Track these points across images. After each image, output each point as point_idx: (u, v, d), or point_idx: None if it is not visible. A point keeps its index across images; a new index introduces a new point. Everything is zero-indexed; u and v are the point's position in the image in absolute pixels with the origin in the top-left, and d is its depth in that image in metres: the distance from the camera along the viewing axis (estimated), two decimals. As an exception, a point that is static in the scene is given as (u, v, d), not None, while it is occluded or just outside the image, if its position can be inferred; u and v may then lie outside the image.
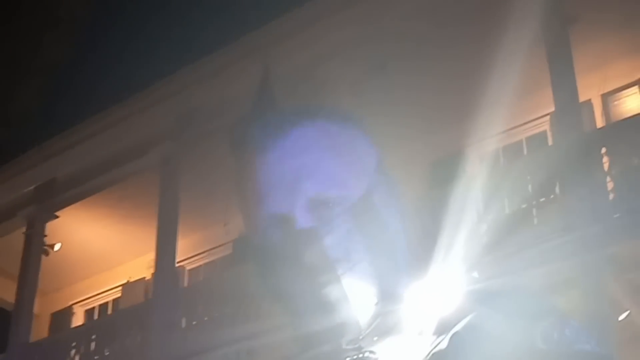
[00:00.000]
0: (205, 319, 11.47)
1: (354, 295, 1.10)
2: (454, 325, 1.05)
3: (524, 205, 9.97)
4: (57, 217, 14.09)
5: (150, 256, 13.16)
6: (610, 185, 9.59)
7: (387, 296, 1.12)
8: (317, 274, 1.09)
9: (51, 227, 14.16)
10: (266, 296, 1.16)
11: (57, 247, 14.23)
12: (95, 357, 12.45)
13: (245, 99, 10.41)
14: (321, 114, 1.19)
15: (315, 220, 1.11)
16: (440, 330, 1.07)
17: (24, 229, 14.25)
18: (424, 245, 1.20)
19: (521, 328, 1.01)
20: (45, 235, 14.10)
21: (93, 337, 12.68)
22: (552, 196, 10.02)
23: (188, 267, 14.54)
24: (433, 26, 10.86)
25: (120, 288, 15.18)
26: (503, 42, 9.19)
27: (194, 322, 11.60)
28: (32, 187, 14.32)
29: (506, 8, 9.29)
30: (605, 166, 9.68)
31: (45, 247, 14.07)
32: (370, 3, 11.26)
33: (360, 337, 1.11)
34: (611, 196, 9.53)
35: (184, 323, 11.72)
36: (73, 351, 12.68)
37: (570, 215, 9.25)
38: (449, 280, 1.13)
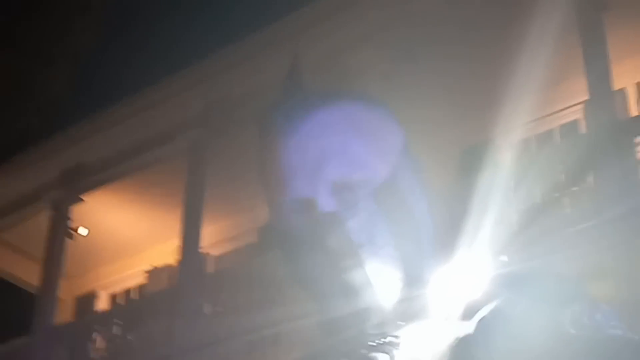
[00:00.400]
0: (230, 305, 11.39)
1: (378, 280, 1.09)
2: (481, 310, 1.04)
3: (556, 194, 9.81)
4: (82, 200, 14.08)
5: (175, 242, 13.13)
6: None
7: (413, 281, 1.11)
8: (340, 259, 1.09)
9: (77, 211, 14.15)
10: (291, 282, 1.15)
11: (84, 232, 14.22)
12: (119, 342, 12.41)
13: (274, 87, 10.31)
14: (347, 98, 1.18)
15: (338, 205, 1.10)
16: (467, 315, 1.05)
17: (49, 213, 14.25)
18: (451, 230, 1.19)
19: (550, 313, 1.00)
20: (70, 219, 14.09)
21: (117, 321, 12.64)
22: (584, 185, 9.85)
23: (214, 254, 14.48)
24: (463, 10, 10.73)
25: (145, 274, 15.17)
26: (535, 28, 9.06)
27: (219, 309, 11.53)
28: (58, 171, 14.30)
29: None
30: (639, 155, 9.51)
31: (71, 231, 14.06)
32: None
33: (385, 322, 1.10)
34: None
35: (208, 310, 11.65)
36: (97, 335, 12.65)
37: (602, 204, 9.08)
38: (476, 264, 1.13)
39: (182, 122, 12.95)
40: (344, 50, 11.35)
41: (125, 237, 14.89)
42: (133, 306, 13.44)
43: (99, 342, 12.58)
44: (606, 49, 10.05)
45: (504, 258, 1.17)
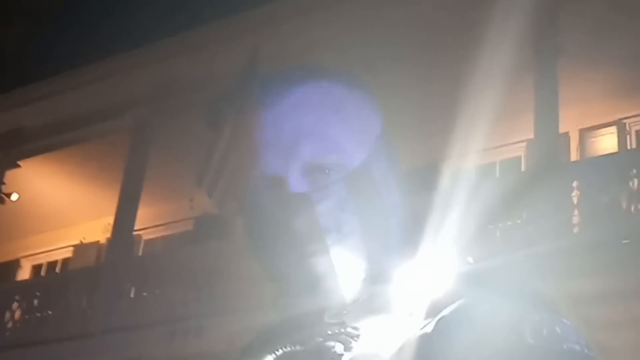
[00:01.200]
0: (157, 291, 11.35)
1: (342, 268, 1.07)
2: (444, 308, 1.03)
3: (490, 226, 10.01)
4: (19, 166, 13.85)
5: (108, 220, 13.01)
6: (576, 220, 9.67)
7: (377, 273, 1.09)
8: (305, 242, 1.06)
9: (11, 175, 13.92)
10: (252, 261, 1.12)
11: (14, 197, 13.99)
12: (37, 314, 12.25)
13: (228, 78, 10.32)
14: (326, 75, 1.15)
15: (308, 186, 1.08)
16: (431, 313, 1.04)
17: (-18, 174, 14.01)
18: (417, 225, 1.15)
19: (511, 319, 0.99)
20: (4, 184, 13.86)
21: (38, 294, 12.48)
22: (518, 221, 10.08)
23: (145, 237, 14.41)
24: (424, 33, 10.88)
25: (72, 248, 15.00)
26: (493, 62, 9.22)
27: (144, 294, 11.48)
28: (-3, 133, 14.06)
29: (500, 28, 9.30)
30: (575, 200, 9.75)
31: (2, 195, 13.83)
32: (363, 2, 11.26)
33: (345, 312, 1.08)
34: (576, 230, 9.62)
35: (133, 292, 11.59)
36: (15, 304, 12.46)
37: (531, 244, 9.30)
38: (441, 261, 1.11)
39: (129, 99, 12.82)
40: (304, 52, 11.41)
41: (57, 208, 14.68)
42: (56, 280, 13.27)
43: (17, 312, 12.39)
44: (557, 92, 10.29)
45: (470, 259, 1.17)
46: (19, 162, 13.85)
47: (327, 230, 1.07)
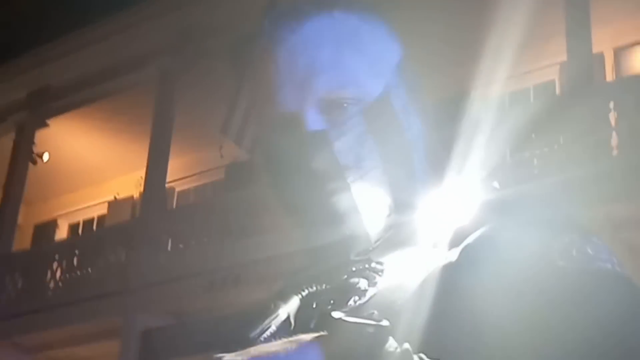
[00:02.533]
0: (193, 242, 11.31)
1: (365, 205, 1.06)
2: (469, 236, 1.01)
3: (526, 152, 9.78)
4: (47, 125, 13.81)
5: (140, 174, 12.97)
6: (614, 142, 9.41)
7: (402, 206, 1.08)
8: (326, 181, 1.05)
9: (41, 136, 13.90)
10: (275, 205, 1.11)
11: (45, 157, 13.98)
12: (78, 273, 12.31)
13: (250, 19, 10.08)
14: (339, 6, 1.12)
15: (326, 122, 1.06)
16: (455, 242, 1.02)
17: (13, 135, 13.99)
18: (441, 153, 1.13)
19: (539, 242, 0.96)
20: (35, 144, 13.84)
21: (76, 252, 12.52)
22: (555, 146, 9.82)
23: (178, 189, 14.36)
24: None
25: (106, 205, 15.01)
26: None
27: (181, 245, 11.45)
28: (24, 93, 14.00)
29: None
30: (612, 121, 9.48)
31: (34, 156, 13.82)
32: None
33: (370, 249, 1.07)
34: (614, 152, 9.36)
35: (170, 245, 11.57)
36: (55, 264, 12.53)
37: (571, 168, 9.08)
38: (466, 189, 1.09)
39: (153, 49, 12.68)
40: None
41: (88, 165, 14.68)
42: (93, 237, 13.30)
43: (58, 272, 12.46)
44: (588, 12, 9.95)
45: (495, 184, 1.12)
46: (47, 121, 13.79)
47: (347, 167, 1.05)
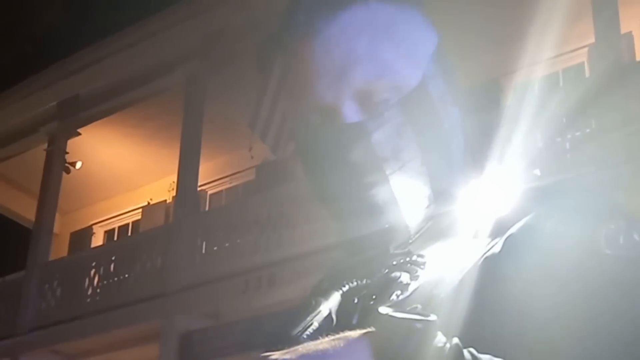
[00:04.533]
0: (227, 244, 11.32)
1: (404, 197, 1.05)
2: (511, 226, 0.98)
3: (558, 139, 9.68)
4: (79, 134, 13.91)
5: (172, 178, 13.03)
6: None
7: (441, 197, 1.07)
8: (364, 174, 1.04)
9: (73, 144, 14.01)
10: (314, 199, 1.11)
11: (78, 165, 14.09)
12: (115, 279, 12.39)
13: (273, 19, 10.07)
14: None
15: (363, 114, 1.05)
16: (497, 232, 1.00)
17: (45, 146, 14.11)
18: (481, 142, 1.12)
19: (583, 229, 0.93)
20: (67, 153, 13.95)
21: (113, 258, 12.59)
22: (587, 130, 9.71)
23: (210, 192, 14.40)
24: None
25: (140, 210, 15.09)
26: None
27: (215, 248, 11.47)
28: (54, 103, 14.12)
29: None
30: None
31: (67, 165, 13.93)
32: None
33: (410, 241, 1.06)
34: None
35: (204, 248, 11.60)
36: (92, 271, 12.62)
37: (604, 150, 8.97)
38: (507, 178, 1.07)
39: (180, 54, 12.73)
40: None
41: (121, 172, 14.78)
42: (129, 243, 13.37)
43: (95, 278, 12.54)
44: (615, -9, 9.83)
45: (537, 172, 1.06)
46: (79, 130, 13.89)
47: (385, 159, 1.04)
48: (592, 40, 10.15)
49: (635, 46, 10.95)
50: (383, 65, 1.06)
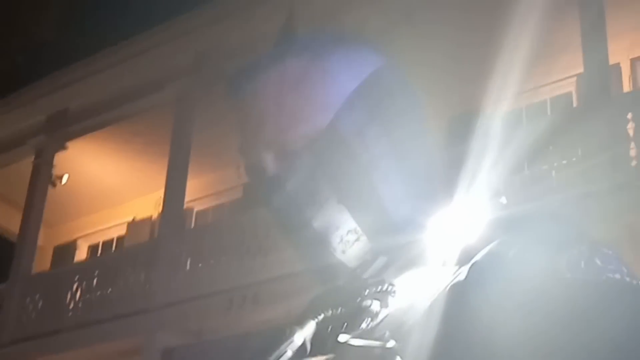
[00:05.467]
0: (211, 262, 11.32)
1: (331, 235, 1.08)
2: (476, 254, 1.00)
3: (544, 166, 9.75)
4: (66, 148, 13.90)
5: (159, 194, 13.01)
6: (633, 152, 9.36)
7: (409, 226, 1.09)
8: (287, 219, 1.10)
9: (60, 158, 13.99)
10: (281, 235, 1.14)
11: (64, 179, 14.06)
12: (98, 293, 12.34)
13: (266, 42, 10.13)
14: (300, 51, 1.14)
15: (278, 165, 1.10)
16: (463, 260, 1.02)
17: (32, 158, 14.08)
18: (449, 171, 1.14)
19: (546, 256, 0.95)
20: (54, 166, 13.93)
21: (96, 273, 12.55)
22: (573, 159, 9.78)
23: (196, 209, 14.39)
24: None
25: (125, 226, 15.05)
26: (536, -1, 8.91)
27: (200, 265, 11.46)
28: (43, 116, 14.12)
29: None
30: (630, 132, 9.44)
31: (53, 178, 13.90)
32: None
33: (382, 269, 1.09)
34: (634, 163, 9.31)
35: (189, 265, 11.58)
36: (75, 285, 12.57)
37: (590, 180, 9.04)
38: (474, 207, 1.09)
39: (171, 71, 12.77)
40: (341, 9, 11.16)
41: (107, 187, 14.74)
42: (113, 258, 13.34)
43: (78, 292, 12.49)
44: (604, 23, 9.93)
45: (503, 200, 1.11)
46: (66, 144, 13.88)
47: (304, 204, 1.08)
48: (580, 70, 10.24)
49: (622, 77, 11.05)
50: (291, 116, 1.10)
